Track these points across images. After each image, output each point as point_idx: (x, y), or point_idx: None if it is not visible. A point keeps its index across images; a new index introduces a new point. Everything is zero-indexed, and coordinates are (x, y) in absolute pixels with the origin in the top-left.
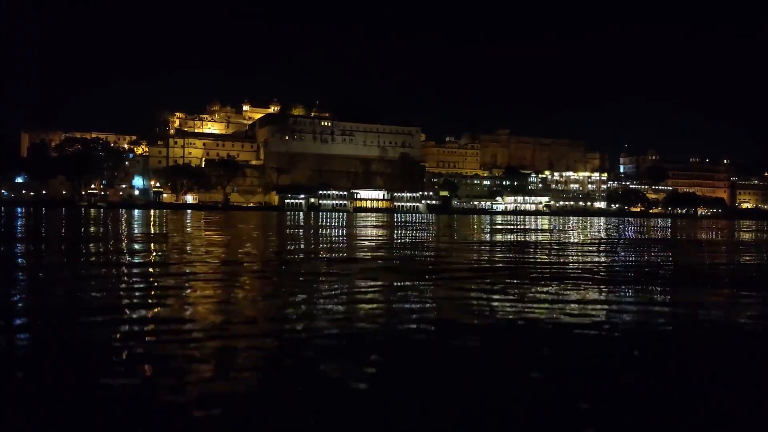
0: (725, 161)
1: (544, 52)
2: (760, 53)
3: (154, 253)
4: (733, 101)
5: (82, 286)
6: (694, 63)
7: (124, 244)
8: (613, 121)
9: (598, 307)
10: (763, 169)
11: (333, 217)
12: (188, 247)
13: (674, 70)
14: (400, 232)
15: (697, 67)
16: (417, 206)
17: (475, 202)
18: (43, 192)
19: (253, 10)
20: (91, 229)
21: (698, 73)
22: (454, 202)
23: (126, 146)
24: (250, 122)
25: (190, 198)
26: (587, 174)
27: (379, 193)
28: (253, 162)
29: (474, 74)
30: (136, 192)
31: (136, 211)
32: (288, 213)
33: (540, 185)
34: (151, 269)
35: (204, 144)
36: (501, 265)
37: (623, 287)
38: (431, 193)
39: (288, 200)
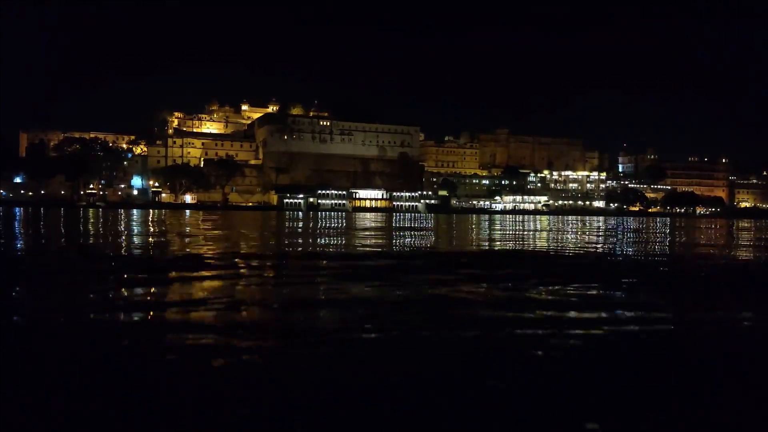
0: (724, 160)
1: (544, 51)
2: (759, 52)
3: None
4: (731, 100)
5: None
6: (693, 61)
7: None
8: (612, 120)
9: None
10: (762, 168)
11: (332, 216)
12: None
13: (673, 69)
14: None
15: (696, 65)
16: (416, 206)
17: (474, 202)
18: (42, 192)
19: (253, 10)
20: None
21: (697, 71)
22: (453, 202)
23: (125, 146)
24: (249, 122)
25: (188, 198)
26: (586, 173)
27: (378, 193)
28: (252, 162)
29: (473, 74)
30: (135, 192)
31: (135, 210)
32: (287, 213)
33: (539, 184)
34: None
35: (203, 144)
36: None
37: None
38: (430, 193)
39: (287, 200)
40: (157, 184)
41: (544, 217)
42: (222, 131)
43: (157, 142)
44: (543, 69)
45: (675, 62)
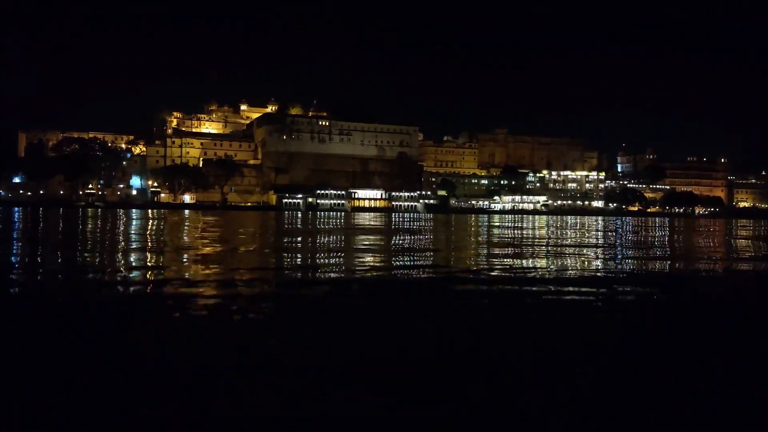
0: (723, 160)
1: (543, 51)
2: (758, 51)
3: None
4: (731, 100)
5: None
6: (692, 60)
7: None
8: (611, 120)
9: None
10: (761, 168)
11: (331, 216)
12: None
13: (673, 68)
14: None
15: (695, 64)
16: (415, 206)
17: (473, 202)
18: (41, 192)
19: (252, 10)
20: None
21: (696, 70)
22: (452, 202)
23: (123, 146)
24: (248, 122)
25: (187, 198)
26: (585, 173)
27: (377, 193)
28: (251, 162)
29: (472, 74)
30: (134, 192)
31: (134, 210)
32: (286, 213)
33: (538, 184)
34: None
35: (202, 144)
36: None
37: None
38: (429, 193)
39: (286, 200)
40: (156, 184)
41: (543, 218)
42: (221, 131)
43: (156, 142)
44: (542, 69)
45: (674, 61)
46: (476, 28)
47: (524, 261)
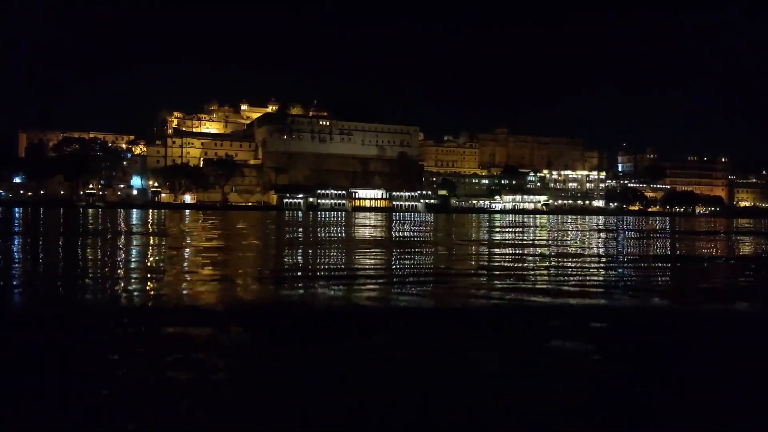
0: (723, 159)
1: (542, 50)
2: (760, 50)
3: None
4: (731, 99)
5: None
6: (691, 60)
7: None
8: (611, 120)
9: None
10: (761, 167)
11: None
12: None
13: (673, 68)
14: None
15: (695, 64)
16: (415, 205)
17: (474, 201)
18: (41, 192)
19: (253, 10)
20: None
21: (696, 70)
22: (453, 201)
23: (124, 146)
24: (249, 122)
25: (188, 198)
26: (585, 173)
27: (377, 193)
28: (252, 161)
29: (472, 74)
30: (134, 192)
31: (134, 210)
32: (286, 212)
33: (538, 184)
34: None
35: (202, 143)
36: None
37: None
38: (430, 192)
39: (286, 200)
40: (156, 184)
41: (544, 217)
42: (221, 131)
43: (157, 142)
44: (542, 68)
45: (675, 61)
46: (476, 26)
47: None
